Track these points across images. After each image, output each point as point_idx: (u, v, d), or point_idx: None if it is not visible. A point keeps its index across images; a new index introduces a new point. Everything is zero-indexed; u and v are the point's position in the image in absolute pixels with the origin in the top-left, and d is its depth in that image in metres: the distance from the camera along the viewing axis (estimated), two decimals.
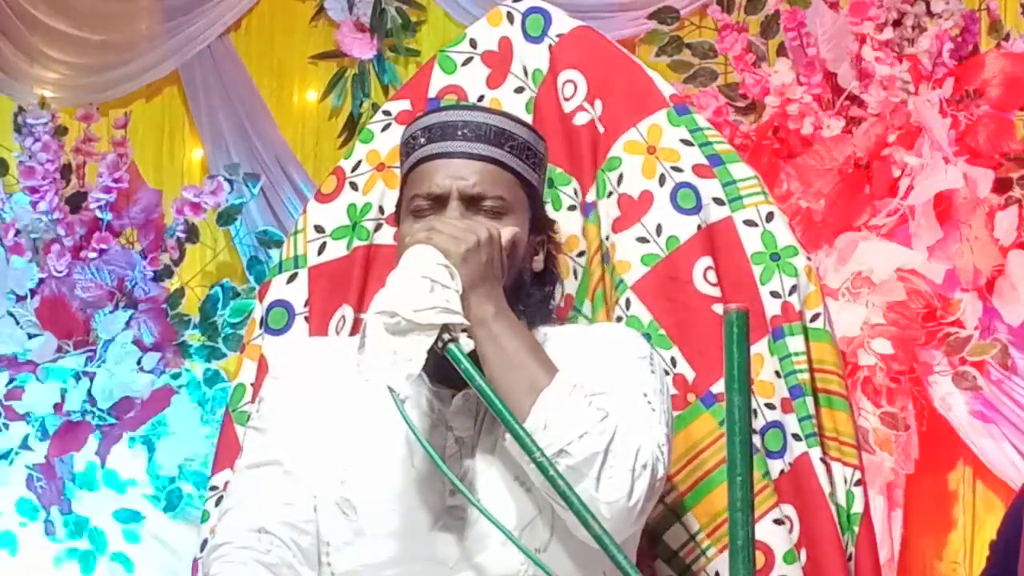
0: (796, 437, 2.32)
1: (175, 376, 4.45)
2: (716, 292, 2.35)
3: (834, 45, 3.93)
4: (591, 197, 2.44)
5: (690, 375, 2.32)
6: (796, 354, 2.34)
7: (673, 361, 2.32)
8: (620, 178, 2.40)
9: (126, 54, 5.11)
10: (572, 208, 2.42)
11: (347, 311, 2.40)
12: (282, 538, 2.02)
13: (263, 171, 4.85)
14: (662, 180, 2.38)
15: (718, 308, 2.33)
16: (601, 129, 2.44)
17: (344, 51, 4.93)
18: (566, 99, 2.46)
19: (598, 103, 2.45)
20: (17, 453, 4.45)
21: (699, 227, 2.36)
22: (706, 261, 2.35)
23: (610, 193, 2.41)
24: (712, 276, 2.35)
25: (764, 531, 2.25)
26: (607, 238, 2.41)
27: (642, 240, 2.37)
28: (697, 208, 2.37)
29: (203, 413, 4.42)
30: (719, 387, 2.30)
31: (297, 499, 2.04)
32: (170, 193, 4.71)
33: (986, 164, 3.78)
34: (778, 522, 2.27)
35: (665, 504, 2.30)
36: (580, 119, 2.45)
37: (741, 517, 1.55)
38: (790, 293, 2.35)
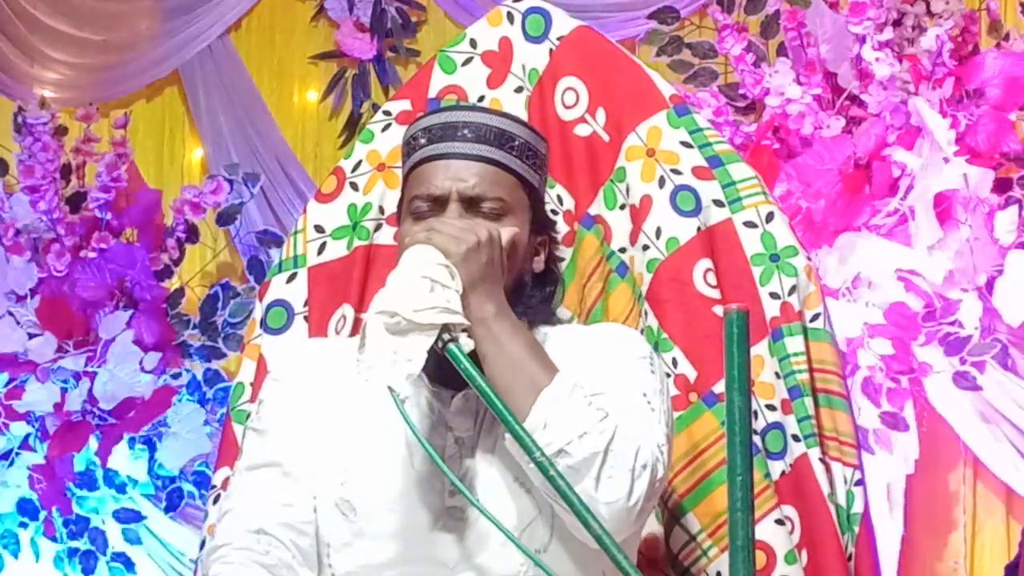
0: (795, 438, 2.32)
1: (175, 376, 4.45)
2: (716, 294, 2.34)
3: (834, 45, 3.93)
4: (594, 210, 2.44)
5: (692, 375, 2.32)
6: (795, 355, 2.34)
7: (674, 362, 2.32)
8: (627, 189, 2.40)
9: (126, 54, 5.11)
10: (554, 212, 2.42)
11: (347, 310, 2.40)
12: (281, 539, 2.02)
13: (263, 171, 4.85)
14: (662, 182, 2.38)
15: (718, 310, 2.32)
16: (606, 138, 2.44)
17: (344, 51, 4.94)
18: (567, 107, 2.46)
19: (600, 112, 2.45)
20: (18, 453, 4.46)
21: (699, 229, 2.36)
22: (706, 263, 2.35)
23: (623, 206, 2.41)
24: (712, 278, 2.35)
25: (766, 531, 2.24)
26: (622, 250, 2.41)
27: (645, 248, 2.37)
28: (697, 210, 2.37)
29: (203, 413, 4.42)
30: (720, 387, 2.29)
31: (296, 500, 2.04)
32: (170, 193, 4.71)
33: (986, 164, 3.78)
34: (779, 522, 2.27)
35: (666, 506, 2.30)
36: (581, 131, 2.45)
37: (741, 517, 1.56)
38: (789, 293, 2.35)
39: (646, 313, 2.36)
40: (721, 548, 2.26)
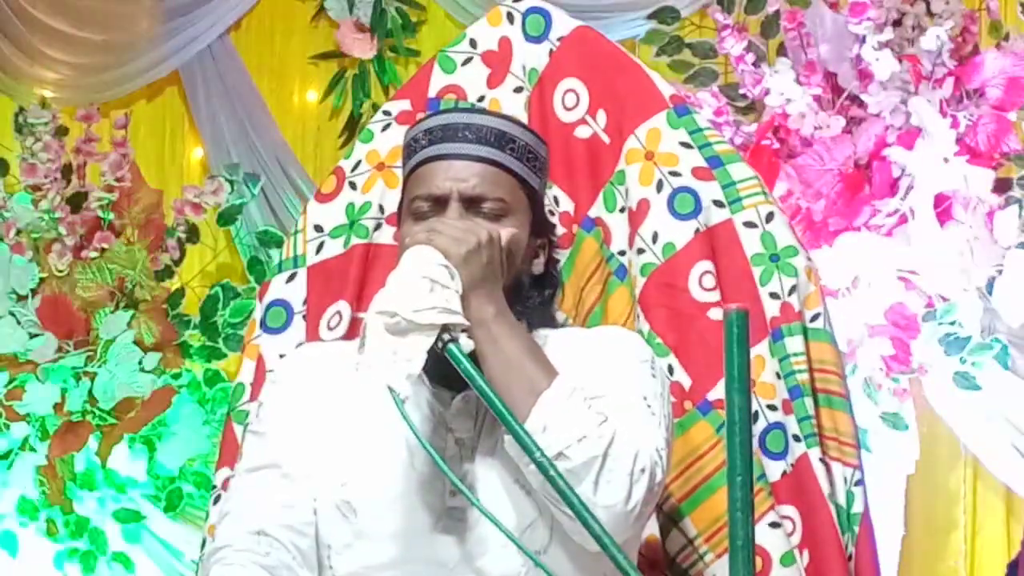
0: (796, 438, 2.32)
1: (175, 376, 4.45)
2: (712, 297, 2.34)
3: (834, 45, 3.93)
4: (594, 212, 2.44)
5: (687, 383, 2.32)
6: (795, 355, 2.34)
7: (670, 369, 2.32)
8: (627, 192, 2.40)
9: (126, 54, 5.12)
10: (551, 214, 2.42)
11: (343, 307, 2.40)
12: (281, 540, 2.02)
13: (263, 171, 4.86)
14: (660, 186, 2.38)
15: (713, 314, 2.32)
16: (607, 140, 2.44)
17: (344, 51, 4.94)
18: (567, 109, 2.46)
19: (601, 114, 2.44)
20: (18, 453, 4.46)
21: (697, 231, 2.36)
22: (703, 266, 2.35)
23: (622, 208, 2.41)
24: (708, 281, 2.35)
25: (760, 535, 2.24)
26: (622, 253, 2.41)
27: (640, 251, 2.37)
28: (695, 212, 2.37)
29: (204, 413, 4.43)
30: (715, 394, 2.30)
31: (296, 502, 2.04)
32: (171, 193, 4.71)
33: (986, 164, 3.78)
34: (774, 525, 2.27)
35: (663, 510, 2.30)
36: (582, 132, 2.45)
37: (741, 517, 1.55)
38: (789, 293, 2.35)
39: (638, 316, 2.37)
40: (717, 553, 2.27)
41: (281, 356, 2.36)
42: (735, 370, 1.55)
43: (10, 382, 4.42)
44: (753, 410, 2.25)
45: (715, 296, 2.34)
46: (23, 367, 4.43)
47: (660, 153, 2.40)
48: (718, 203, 2.37)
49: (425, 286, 1.90)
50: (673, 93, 2.47)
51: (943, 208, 3.76)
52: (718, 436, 2.29)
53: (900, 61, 3.82)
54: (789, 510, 2.30)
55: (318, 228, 2.44)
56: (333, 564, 2.03)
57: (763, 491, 2.27)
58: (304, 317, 2.41)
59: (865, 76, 3.85)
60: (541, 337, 2.09)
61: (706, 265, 2.35)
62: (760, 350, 2.31)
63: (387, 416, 1.92)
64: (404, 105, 2.50)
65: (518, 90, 2.48)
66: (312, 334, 2.40)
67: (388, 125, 2.48)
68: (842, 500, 2.35)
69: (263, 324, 2.43)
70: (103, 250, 4.48)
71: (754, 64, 4.02)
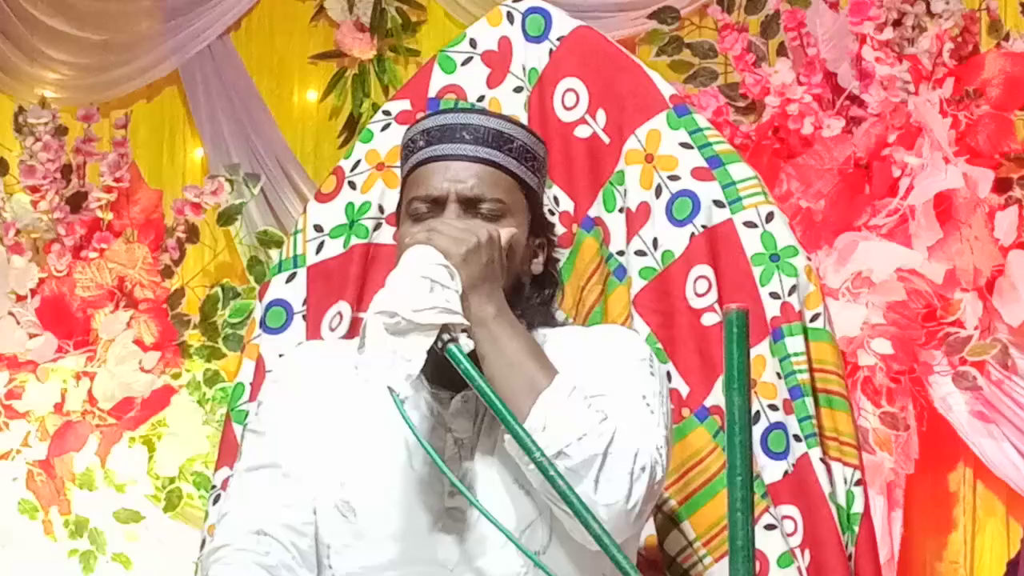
0: (796, 438, 2.32)
1: (175, 376, 4.45)
2: (706, 303, 2.34)
3: (834, 45, 3.93)
4: (594, 212, 2.44)
5: (684, 390, 2.33)
6: (795, 355, 2.34)
7: (669, 375, 2.32)
8: (626, 192, 2.41)
9: (126, 54, 5.12)
10: (551, 213, 2.42)
11: (343, 308, 2.41)
12: (281, 540, 2.02)
13: (263, 171, 4.85)
14: (658, 191, 2.39)
15: (707, 319, 2.33)
16: (607, 140, 2.44)
17: (344, 51, 4.93)
18: (567, 108, 2.46)
19: (600, 113, 2.45)
20: (17, 453, 4.46)
21: (692, 235, 2.36)
22: (698, 271, 2.35)
23: (621, 208, 2.41)
24: (702, 286, 2.35)
25: (757, 537, 2.23)
26: (620, 253, 2.41)
27: (640, 253, 2.38)
28: (693, 215, 2.37)
29: (203, 413, 4.43)
30: (711, 400, 2.31)
31: (296, 501, 2.04)
32: (170, 193, 4.71)
33: (986, 164, 3.78)
34: (770, 527, 2.27)
35: (662, 512, 2.30)
36: (582, 132, 2.45)
37: (741, 518, 1.55)
38: (789, 293, 2.35)
39: (632, 316, 2.37)
40: (715, 557, 2.27)
41: (280, 356, 2.36)
42: (735, 370, 1.55)
43: (10, 382, 4.42)
44: (754, 410, 2.25)
45: (709, 300, 2.34)
46: (23, 367, 4.43)
47: (659, 156, 2.40)
48: (718, 203, 2.38)
49: (425, 286, 1.90)
50: (673, 93, 2.47)
51: (943, 208, 3.76)
52: (715, 442, 2.29)
53: (900, 61, 3.81)
54: (790, 510, 2.30)
55: (318, 228, 2.45)
56: (332, 564, 2.03)
57: (756, 494, 2.27)
58: (304, 317, 2.42)
59: (865, 76, 3.84)
60: (540, 336, 2.09)
61: (702, 270, 2.35)
62: (761, 350, 2.31)
63: (386, 416, 1.92)
64: (404, 105, 2.50)
65: (518, 90, 2.49)
66: (314, 335, 2.40)
67: (388, 125, 2.48)
68: (842, 500, 2.35)
69: (263, 324, 2.43)
70: (103, 250, 4.48)
71: (754, 64, 4.01)
